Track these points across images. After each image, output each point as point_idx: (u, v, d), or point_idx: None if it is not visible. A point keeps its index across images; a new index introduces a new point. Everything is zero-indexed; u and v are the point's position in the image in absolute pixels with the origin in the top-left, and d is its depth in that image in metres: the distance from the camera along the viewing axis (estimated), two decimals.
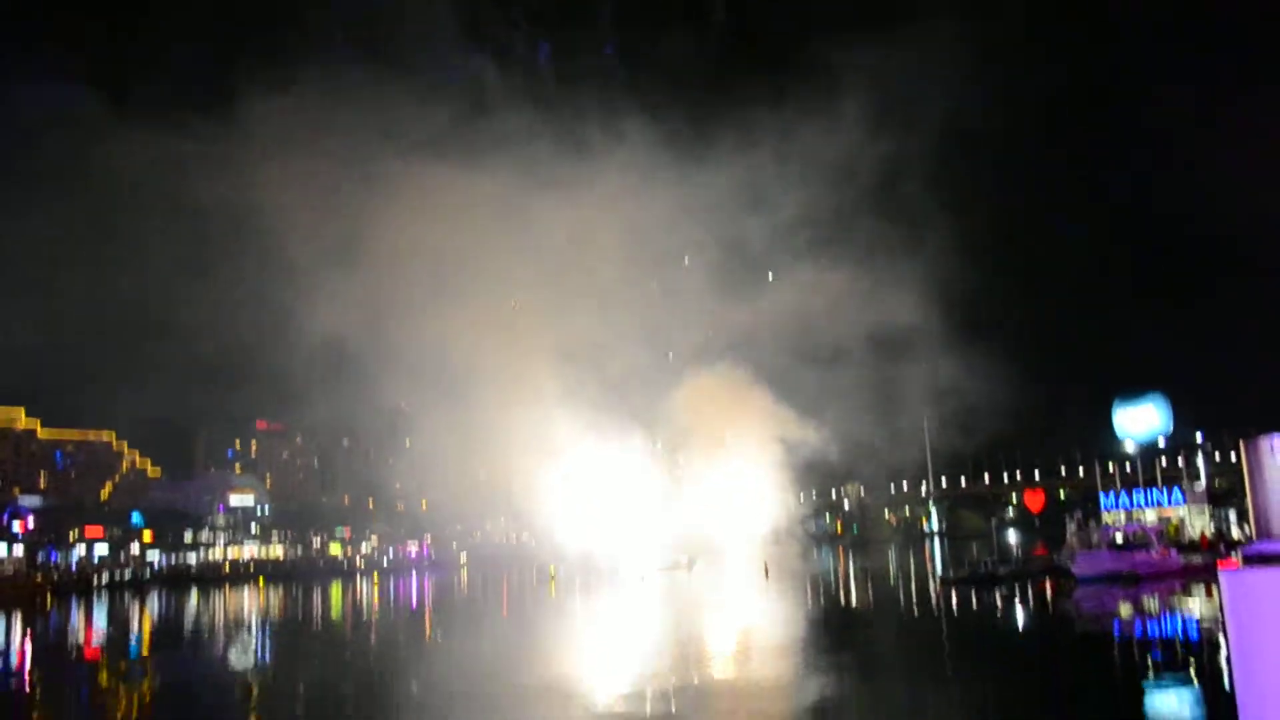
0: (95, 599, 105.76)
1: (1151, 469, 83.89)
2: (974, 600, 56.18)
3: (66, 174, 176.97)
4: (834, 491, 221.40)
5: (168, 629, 66.24)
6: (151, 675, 41.14)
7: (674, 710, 24.74)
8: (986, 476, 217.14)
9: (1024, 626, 47.13)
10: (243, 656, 46.23)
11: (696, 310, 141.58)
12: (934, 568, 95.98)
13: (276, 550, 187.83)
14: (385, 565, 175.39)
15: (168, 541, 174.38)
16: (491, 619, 62.72)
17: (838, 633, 44.98)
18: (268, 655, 46.66)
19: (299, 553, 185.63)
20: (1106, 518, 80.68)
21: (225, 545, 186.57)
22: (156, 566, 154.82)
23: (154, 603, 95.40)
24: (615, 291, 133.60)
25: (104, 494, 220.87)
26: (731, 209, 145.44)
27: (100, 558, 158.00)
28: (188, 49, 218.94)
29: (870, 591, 71.78)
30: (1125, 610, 47.90)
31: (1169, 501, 79.36)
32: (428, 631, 55.97)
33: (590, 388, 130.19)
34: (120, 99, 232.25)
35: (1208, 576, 56.39)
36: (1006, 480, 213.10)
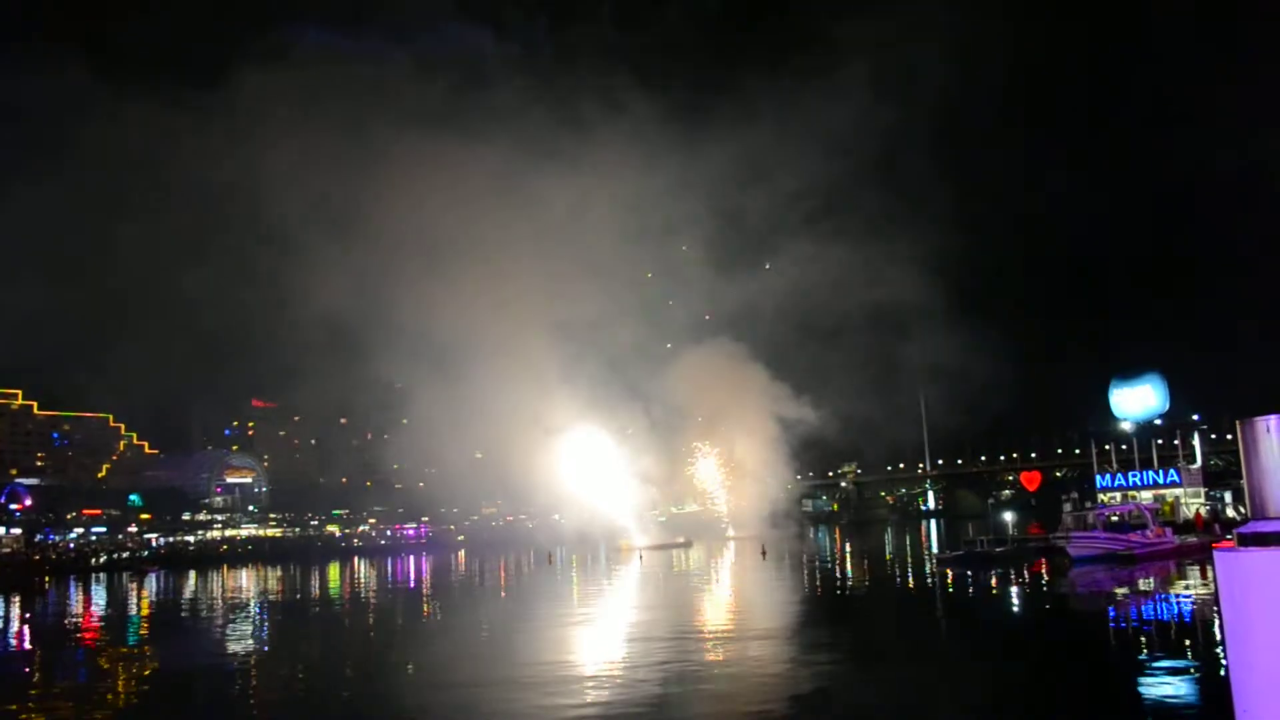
0: (94, 579, 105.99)
1: (1148, 449, 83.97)
2: (969, 580, 56.42)
3: (59, 149, 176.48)
4: (831, 471, 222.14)
5: (166, 610, 66.43)
6: (150, 657, 41.28)
7: (668, 692, 24.79)
8: (983, 456, 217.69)
9: (1017, 606, 47.32)
10: (241, 638, 46.37)
11: (695, 287, 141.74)
12: (930, 547, 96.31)
13: (274, 530, 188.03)
14: (383, 545, 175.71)
15: (165, 521, 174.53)
16: (489, 600, 62.93)
17: (832, 613, 45.17)
18: (266, 637, 46.80)
19: (296, 533, 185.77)
20: (1102, 497, 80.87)
21: (223, 525, 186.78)
22: (154, 546, 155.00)
23: (152, 583, 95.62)
24: (613, 267, 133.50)
25: (101, 474, 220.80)
26: (728, 184, 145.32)
27: (98, 537, 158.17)
28: (183, 21, 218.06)
29: (865, 571, 72.04)
30: (1119, 590, 48.11)
31: (1165, 481, 79.54)
32: (425, 612, 56.13)
33: (588, 365, 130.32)
34: (112, 72, 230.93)
35: (1203, 557, 56.60)
36: (1003, 460, 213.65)
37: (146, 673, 35.68)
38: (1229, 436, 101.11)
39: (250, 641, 44.30)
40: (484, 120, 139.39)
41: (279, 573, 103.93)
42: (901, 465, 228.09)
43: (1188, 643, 31.56)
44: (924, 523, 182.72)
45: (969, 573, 59.50)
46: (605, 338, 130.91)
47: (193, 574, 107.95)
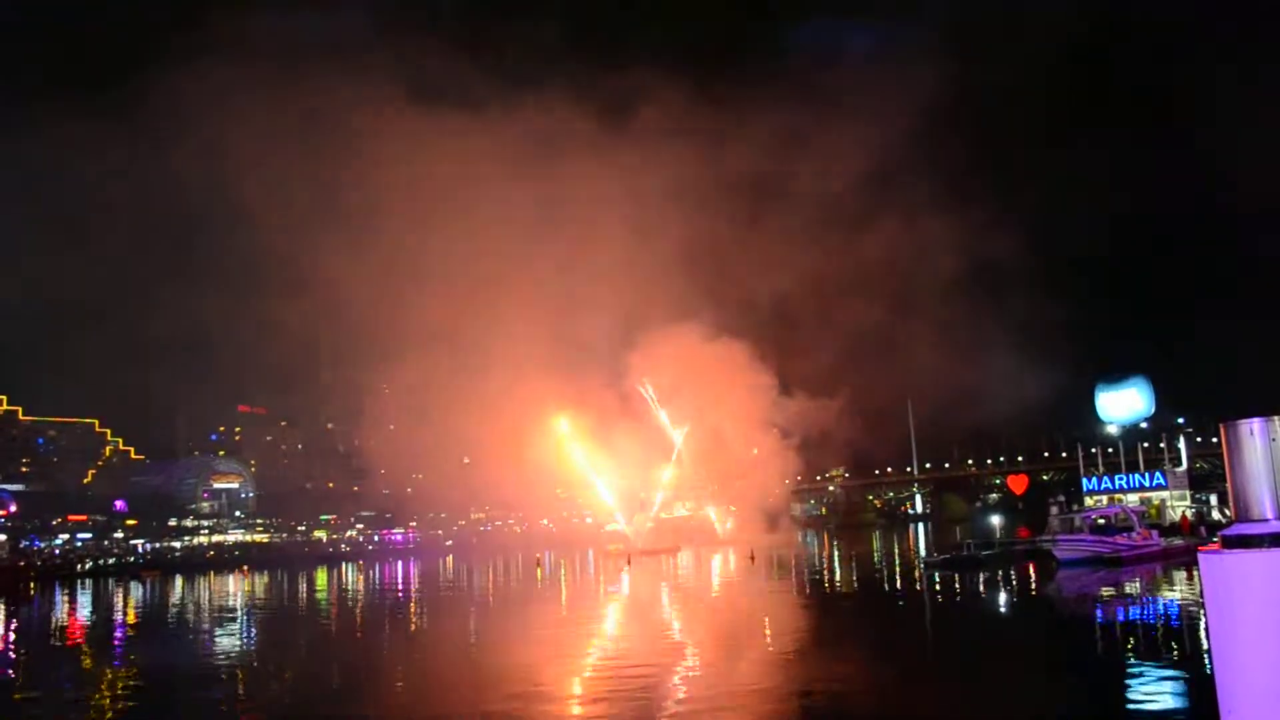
0: (80, 585, 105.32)
1: (1133, 452, 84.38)
2: (956, 583, 56.53)
3: (35, 156, 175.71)
4: (819, 475, 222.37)
5: (153, 616, 66.09)
6: (135, 662, 41.03)
7: (647, 710, 24.72)
8: (970, 460, 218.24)
9: (1004, 609, 47.43)
10: (228, 645, 46.16)
11: (680, 288, 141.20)
12: (918, 551, 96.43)
13: (261, 535, 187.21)
14: (370, 551, 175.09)
15: (151, 527, 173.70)
16: (476, 607, 62.79)
17: (818, 618, 45.16)
18: (253, 644, 46.59)
19: (284, 538, 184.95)
20: (1088, 500, 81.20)
21: (210, 531, 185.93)
22: (141, 552, 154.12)
23: (138, 589, 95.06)
24: (598, 270, 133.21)
25: (87, 479, 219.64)
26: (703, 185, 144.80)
27: (83, 543, 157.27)
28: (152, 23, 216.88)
29: (853, 575, 72.09)
30: (1106, 592, 48.30)
31: (1150, 484, 79.90)
32: (413, 621, 55.96)
33: (578, 372, 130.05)
34: (84, 76, 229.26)
35: (1188, 559, 56.83)
36: (990, 463, 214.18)
37: (130, 678, 35.43)
38: (1214, 439, 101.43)
39: (236, 649, 44.05)
40: (459, 112, 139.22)
41: (266, 579, 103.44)
42: (889, 469, 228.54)
43: (1173, 645, 31.69)
44: (911, 526, 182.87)
45: (957, 576, 59.65)
46: (594, 342, 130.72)
47: (179, 580, 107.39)
